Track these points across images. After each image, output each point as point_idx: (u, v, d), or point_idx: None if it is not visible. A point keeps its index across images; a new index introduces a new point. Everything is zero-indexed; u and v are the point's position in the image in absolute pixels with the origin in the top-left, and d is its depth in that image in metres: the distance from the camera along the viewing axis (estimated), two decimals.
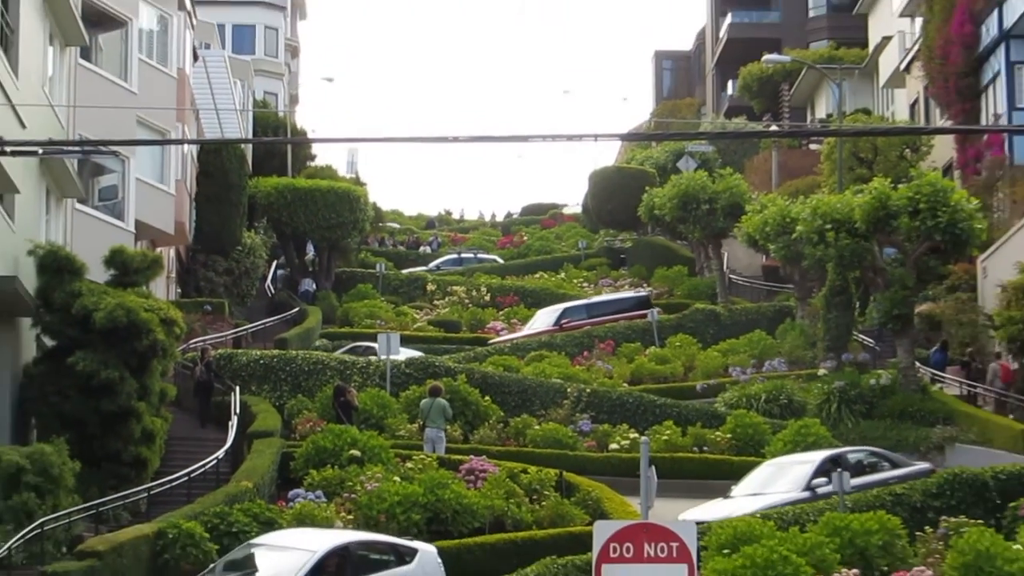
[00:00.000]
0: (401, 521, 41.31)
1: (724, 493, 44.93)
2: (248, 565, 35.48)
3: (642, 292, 79.88)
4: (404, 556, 36.17)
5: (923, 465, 46.25)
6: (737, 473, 49.15)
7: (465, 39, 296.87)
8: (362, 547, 36.06)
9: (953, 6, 74.10)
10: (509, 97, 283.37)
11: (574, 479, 46.08)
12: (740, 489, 44.36)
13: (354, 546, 35.71)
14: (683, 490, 44.74)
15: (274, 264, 77.23)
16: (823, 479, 42.12)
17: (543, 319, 74.84)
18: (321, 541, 35.37)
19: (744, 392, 59.10)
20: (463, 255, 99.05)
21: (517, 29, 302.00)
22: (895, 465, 44.93)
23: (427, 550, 36.82)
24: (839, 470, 40.86)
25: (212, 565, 36.02)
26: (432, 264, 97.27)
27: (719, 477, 49.55)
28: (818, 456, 44.88)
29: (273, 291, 77.00)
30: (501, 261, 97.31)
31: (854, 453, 45.78)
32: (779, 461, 46.44)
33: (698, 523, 36.75)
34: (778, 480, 44.00)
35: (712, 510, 41.91)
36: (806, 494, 42.13)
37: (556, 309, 76.16)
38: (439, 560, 36.74)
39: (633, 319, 73.92)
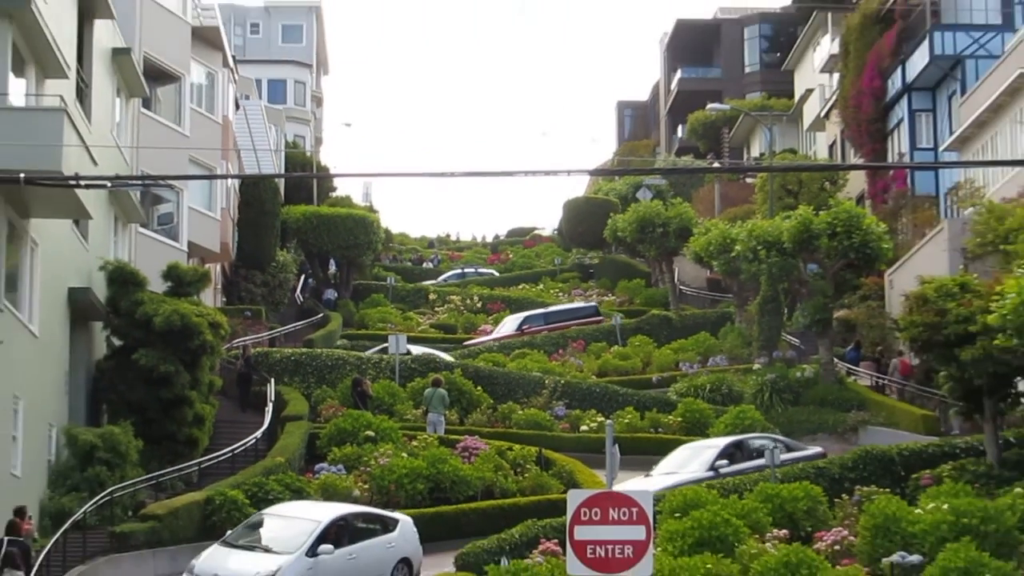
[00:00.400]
0: (408, 490, 42.56)
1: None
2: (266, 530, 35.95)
3: (591, 303, 79.63)
4: (388, 525, 37.32)
5: (815, 449, 46.75)
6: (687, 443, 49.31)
7: (458, 90, 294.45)
8: (356, 518, 36.92)
9: (864, 63, 74.64)
10: (497, 136, 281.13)
11: (551, 455, 47.09)
12: (658, 469, 44.20)
13: (350, 517, 36.49)
14: (642, 464, 44.60)
15: (302, 277, 77.34)
16: (725, 461, 42.89)
17: (508, 325, 74.74)
18: (325, 512, 36.35)
19: (692, 383, 59.73)
20: (466, 270, 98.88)
21: (503, 79, 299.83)
22: (790, 449, 44.79)
23: (405, 520, 37.84)
24: (775, 446, 41.94)
25: (230, 531, 36.36)
26: (441, 277, 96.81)
27: (668, 449, 48.72)
28: (722, 442, 45.28)
29: (301, 300, 76.91)
30: (497, 274, 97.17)
31: (755, 439, 45.64)
32: (692, 445, 46.65)
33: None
34: (690, 462, 43.90)
35: (633, 486, 40.13)
36: (710, 474, 42.05)
37: (519, 317, 75.98)
38: (415, 528, 37.85)
39: (585, 324, 73.94)
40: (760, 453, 42.56)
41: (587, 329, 72.85)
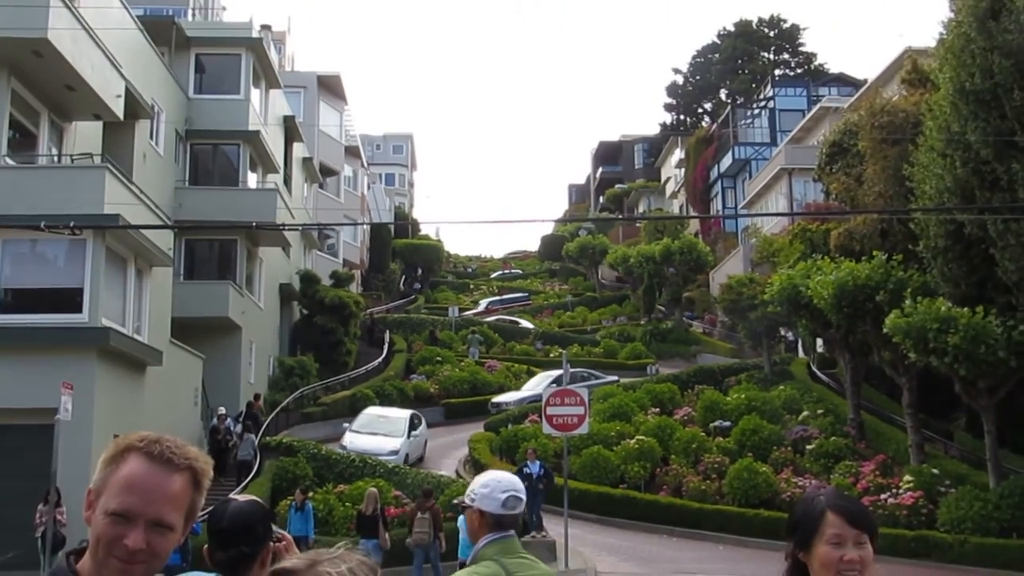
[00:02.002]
0: (459, 388, 42.28)
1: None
2: (376, 422, 34.20)
3: (525, 293, 76.50)
4: (422, 420, 36.14)
5: (612, 377, 42.87)
6: (607, 365, 49.09)
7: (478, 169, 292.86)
8: (414, 416, 35.22)
9: (697, 163, 73.64)
10: (497, 192, 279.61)
11: (535, 369, 46.75)
12: (524, 388, 41.96)
13: (412, 415, 35.02)
14: (581, 375, 44.50)
15: (402, 277, 76.74)
16: (555, 384, 39.69)
17: (482, 304, 72.86)
18: (403, 413, 35.24)
19: (609, 331, 58.98)
20: (504, 272, 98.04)
21: (491, 164, 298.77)
22: (598, 377, 41.89)
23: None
24: (588, 375, 41.09)
25: (351, 423, 34.48)
26: (494, 274, 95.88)
27: (602, 368, 47.30)
28: (554, 373, 40.59)
29: (403, 288, 76.66)
30: (521, 272, 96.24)
31: (578, 371, 41.29)
32: (542, 374, 43.02)
33: (504, 403, 40.07)
34: (539, 385, 40.13)
35: (507, 396, 41.04)
36: (541, 392, 40.22)
37: (487, 300, 73.90)
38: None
39: (524, 305, 71.61)
40: (583, 379, 39.72)
41: (550, 302, 71.78)
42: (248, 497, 3.78)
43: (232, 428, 30.92)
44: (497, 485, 4.09)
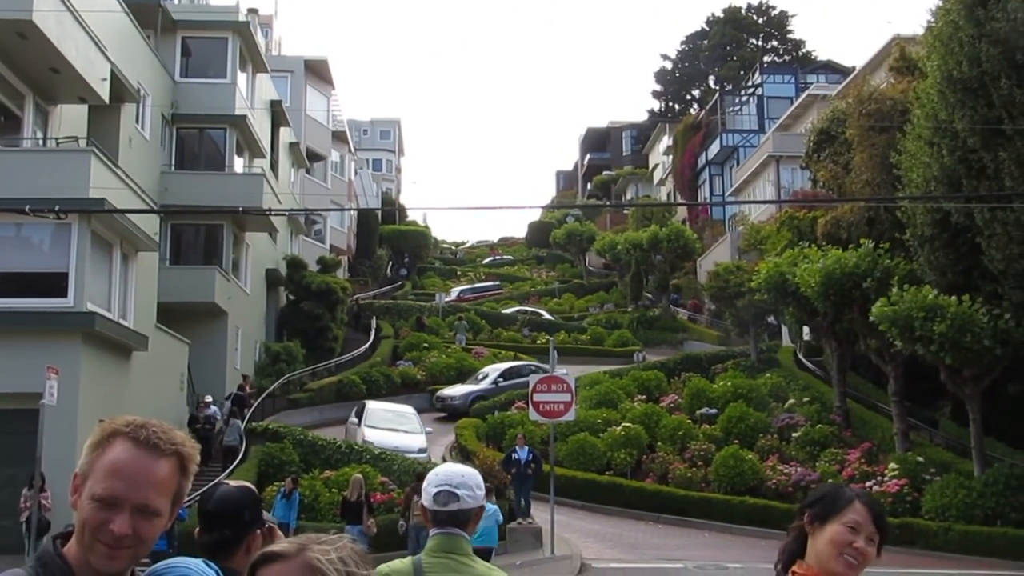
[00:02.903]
0: (446, 375, 42.03)
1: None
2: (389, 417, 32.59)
3: (496, 282, 75.61)
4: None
5: (563, 371, 42.32)
6: (594, 352, 49.24)
7: (469, 157, 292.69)
8: (413, 411, 33.95)
9: (685, 151, 73.67)
10: (488, 180, 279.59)
11: (521, 356, 46.43)
12: (470, 380, 40.94)
13: (414, 409, 34.32)
14: (569, 361, 44.03)
15: (389, 263, 76.43)
16: (502, 378, 39.35)
17: (455, 292, 71.47)
18: (407, 408, 33.99)
19: (596, 317, 58.92)
20: (495, 258, 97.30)
21: (483, 152, 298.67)
22: (545, 372, 41.59)
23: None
24: (534, 369, 39.08)
25: (359, 417, 32.57)
26: (485, 260, 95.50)
27: (588, 355, 48.12)
28: (503, 366, 41.31)
29: (390, 275, 76.32)
30: (512, 258, 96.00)
31: (523, 365, 41.23)
32: (488, 368, 41.87)
33: (448, 397, 39.26)
34: (486, 378, 40.11)
35: (454, 390, 39.96)
36: (493, 386, 38.91)
37: (459, 289, 71.97)
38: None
39: (495, 294, 69.81)
40: (529, 372, 38.15)
41: (537, 289, 71.67)
42: (240, 482, 3.78)
43: (216, 416, 30.77)
44: (433, 479, 3.98)
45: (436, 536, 3.91)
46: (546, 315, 59.16)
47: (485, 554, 17.95)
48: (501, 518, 19.23)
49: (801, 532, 3.12)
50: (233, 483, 3.76)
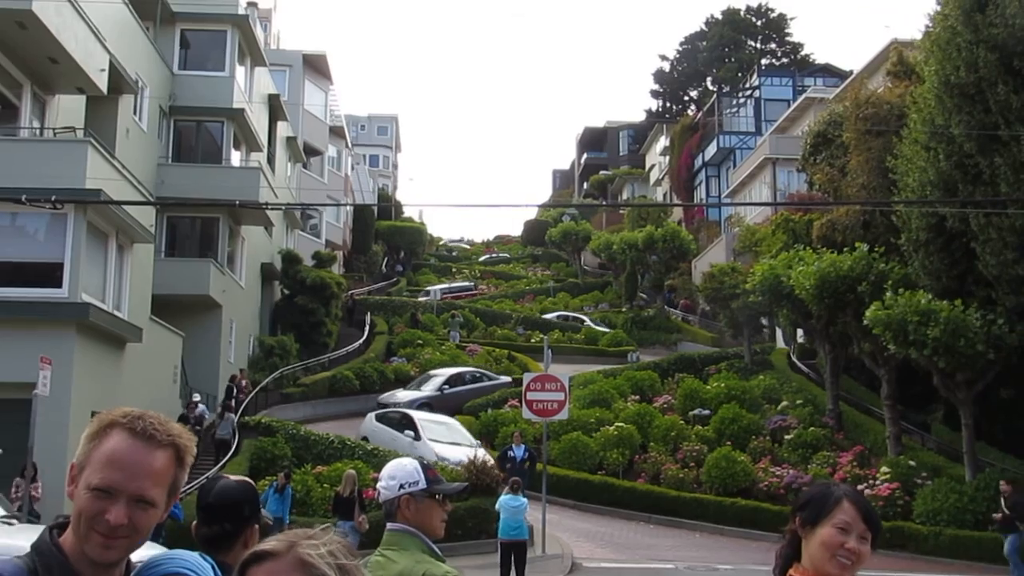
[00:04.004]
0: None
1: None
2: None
3: (471, 282, 73.76)
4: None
5: (507, 378, 39.31)
6: (588, 351, 49.05)
7: (466, 154, 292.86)
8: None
9: (682, 151, 73.84)
10: (483, 177, 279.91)
11: (515, 354, 46.44)
12: (412, 386, 38.29)
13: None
14: (563, 360, 43.98)
15: (385, 259, 76.39)
16: (447, 385, 37.20)
17: (434, 292, 70.73)
18: (450, 418, 32.41)
19: (591, 316, 59.12)
20: (491, 255, 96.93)
21: (482, 151, 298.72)
22: (491, 379, 38.85)
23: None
24: (480, 375, 38.98)
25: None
26: (481, 258, 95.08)
27: (583, 354, 48.13)
28: (448, 372, 38.95)
29: (385, 271, 76.23)
30: (508, 255, 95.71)
31: (468, 371, 39.51)
32: (433, 373, 39.28)
33: (393, 403, 35.51)
34: (429, 383, 37.76)
35: (398, 395, 36.94)
36: (438, 393, 36.52)
37: (439, 288, 71.60)
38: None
39: (471, 295, 69.33)
40: (475, 379, 38.45)
41: (532, 287, 71.59)
42: (240, 477, 3.80)
43: (205, 415, 30.63)
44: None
45: (389, 531, 4.01)
46: (588, 321, 56.41)
47: (520, 547, 18.03)
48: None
49: (795, 536, 3.12)
50: (233, 477, 3.77)
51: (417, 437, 28.71)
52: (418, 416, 30.82)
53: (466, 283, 70.68)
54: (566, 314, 58.84)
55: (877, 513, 3.16)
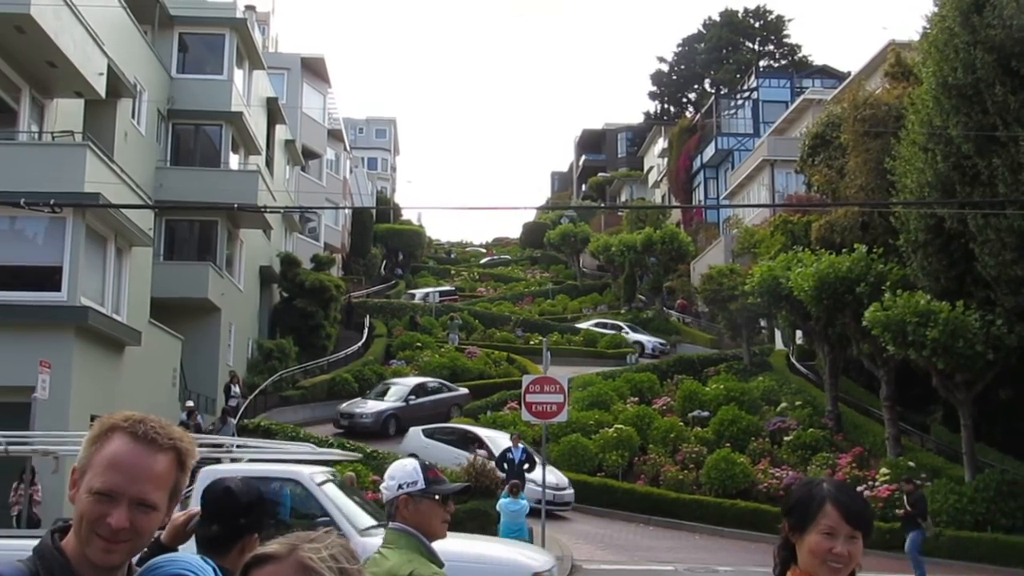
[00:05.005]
0: (439, 374, 41.67)
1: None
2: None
3: (453, 287, 74.43)
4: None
5: (464, 390, 38.49)
6: (587, 353, 48.86)
7: (465, 156, 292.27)
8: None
9: (681, 153, 73.74)
10: (482, 181, 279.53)
11: (514, 356, 46.35)
12: (372, 395, 37.06)
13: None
14: (562, 362, 43.96)
15: (383, 262, 76.32)
16: (413, 396, 36.10)
17: (419, 294, 70.24)
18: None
19: (589, 318, 59.03)
20: (493, 257, 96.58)
21: (482, 157, 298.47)
22: (450, 390, 37.97)
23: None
24: (441, 387, 37.52)
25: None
26: (483, 260, 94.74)
27: (582, 356, 47.88)
28: (412, 382, 37.76)
29: (384, 273, 76.17)
30: (509, 257, 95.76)
31: (431, 383, 38.12)
32: (391, 381, 38.48)
33: (358, 414, 34.94)
34: (391, 393, 36.69)
35: (363, 406, 35.75)
36: (403, 404, 35.44)
37: (425, 291, 69.60)
38: None
39: (452, 299, 69.91)
40: (436, 390, 37.50)
41: (531, 289, 71.34)
42: (244, 480, 3.79)
43: (201, 425, 30.28)
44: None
45: (385, 528, 4.13)
46: (627, 329, 53.74)
47: None
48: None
49: (787, 539, 3.09)
50: (239, 480, 3.76)
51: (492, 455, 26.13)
52: (483, 432, 29.79)
53: (449, 288, 69.27)
54: (604, 321, 56.46)
55: (864, 507, 3.07)
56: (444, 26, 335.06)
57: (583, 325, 55.23)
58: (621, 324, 55.02)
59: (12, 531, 14.65)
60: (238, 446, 13.32)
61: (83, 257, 21.54)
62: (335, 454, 14.11)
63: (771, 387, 35.61)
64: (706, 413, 32.94)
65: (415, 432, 31.00)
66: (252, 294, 41.57)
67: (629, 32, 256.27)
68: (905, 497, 21.35)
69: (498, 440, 28.26)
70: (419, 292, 65.12)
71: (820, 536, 2.95)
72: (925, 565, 20.41)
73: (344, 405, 36.29)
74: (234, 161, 37.67)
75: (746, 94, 71.25)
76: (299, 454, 13.25)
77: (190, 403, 30.43)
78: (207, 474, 11.57)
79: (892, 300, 24.11)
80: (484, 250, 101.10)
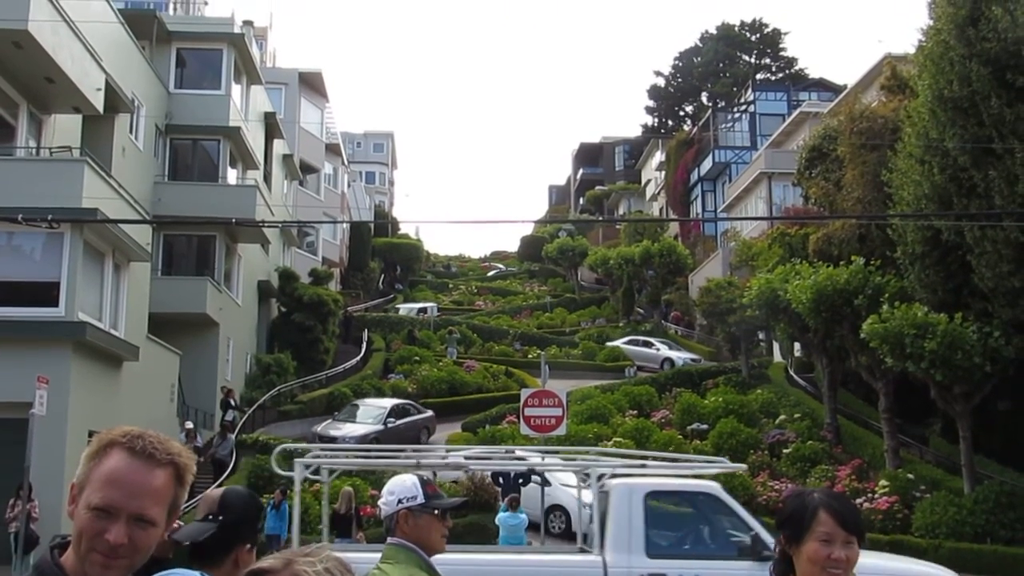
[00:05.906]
0: (437, 388, 41.64)
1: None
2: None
3: (434, 303, 73.02)
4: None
5: (430, 412, 36.90)
6: (585, 366, 48.50)
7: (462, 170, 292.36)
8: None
9: (678, 166, 73.79)
10: (480, 195, 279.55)
11: (513, 370, 46.25)
12: (342, 416, 35.02)
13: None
14: (561, 376, 43.78)
15: (382, 276, 76.40)
16: (392, 418, 34.27)
17: (406, 307, 69.17)
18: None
19: (588, 332, 58.74)
20: (496, 269, 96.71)
21: (476, 171, 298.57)
22: (420, 412, 36.08)
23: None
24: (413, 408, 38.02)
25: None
26: (490, 273, 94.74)
27: (581, 369, 47.68)
28: (389, 403, 35.75)
29: (382, 287, 76.23)
30: (514, 269, 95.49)
31: (404, 405, 36.10)
32: (361, 402, 36.53)
33: (340, 438, 32.27)
34: (367, 414, 34.62)
35: (344, 429, 33.27)
36: (381, 427, 33.22)
37: (414, 306, 70.12)
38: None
39: (439, 316, 69.03)
40: (406, 412, 35.56)
41: (529, 303, 71.22)
42: (242, 488, 3.77)
43: (200, 447, 29.86)
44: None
45: (386, 545, 4.10)
46: (658, 346, 51.33)
47: None
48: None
49: (784, 551, 3.14)
50: (241, 488, 3.75)
51: (546, 482, 22.10)
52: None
53: (430, 304, 66.77)
54: (636, 338, 53.74)
55: (856, 513, 3.17)
56: (442, 40, 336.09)
57: (614, 343, 52.69)
58: (652, 340, 52.76)
59: None
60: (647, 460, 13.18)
61: (81, 272, 21.59)
62: (725, 465, 13.36)
63: (770, 400, 35.50)
64: (705, 426, 32.81)
65: None
66: (250, 309, 41.57)
67: (627, 46, 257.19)
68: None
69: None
70: (403, 307, 64.49)
71: (817, 543, 3.02)
72: None
73: (320, 427, 34.23)
74: (232, 176, 37.79)
75: (743, 107, 71.40)
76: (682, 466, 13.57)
77: (189, 424, 30.42)
78: (616, 487, 11.98)
79: (890, 312, 24.11)
80: (483, 264, 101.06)
